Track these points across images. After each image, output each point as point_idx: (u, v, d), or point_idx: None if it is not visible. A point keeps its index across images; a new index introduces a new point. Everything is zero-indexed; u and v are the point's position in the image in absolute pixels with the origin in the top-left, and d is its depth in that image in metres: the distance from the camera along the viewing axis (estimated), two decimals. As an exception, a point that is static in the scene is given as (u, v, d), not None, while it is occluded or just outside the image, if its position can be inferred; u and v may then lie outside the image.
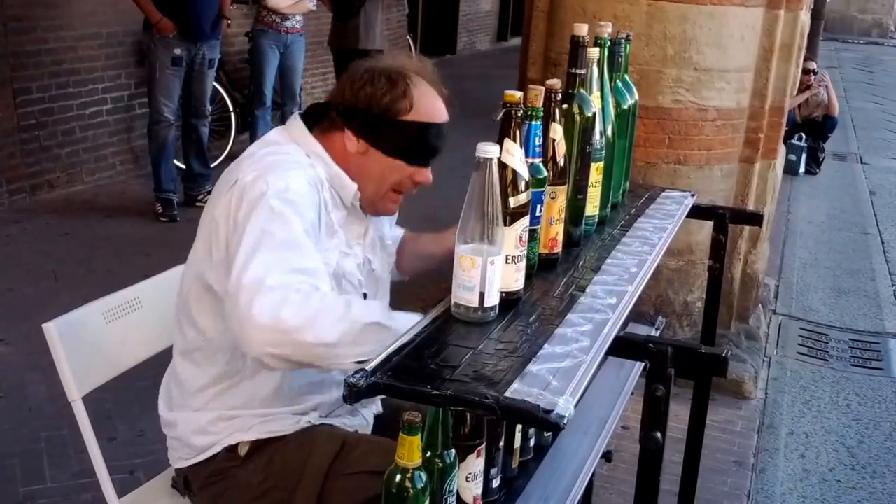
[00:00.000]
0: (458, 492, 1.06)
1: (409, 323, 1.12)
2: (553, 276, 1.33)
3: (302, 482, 1.31)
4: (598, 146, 1.47)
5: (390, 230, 1.56)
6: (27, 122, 4.37)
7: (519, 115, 1.16)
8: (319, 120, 1.38)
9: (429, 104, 1.32)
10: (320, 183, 1.30)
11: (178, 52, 4.13)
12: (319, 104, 1.39)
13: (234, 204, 1.24)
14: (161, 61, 4.13)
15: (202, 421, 1.35)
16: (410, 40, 8.53)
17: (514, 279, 1.18)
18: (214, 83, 5.14)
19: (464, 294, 1.11)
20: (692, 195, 1.94)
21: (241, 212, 1.22)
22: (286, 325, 1.11)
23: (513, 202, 1.15)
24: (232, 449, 1.35)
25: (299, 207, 1.23)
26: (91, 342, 1.44)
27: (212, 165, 4.77)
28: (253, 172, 1.26)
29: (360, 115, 1.30)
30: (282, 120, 5.57)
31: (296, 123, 1.38)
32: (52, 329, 1.38)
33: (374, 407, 1.51)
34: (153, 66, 4.18)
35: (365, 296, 1.41)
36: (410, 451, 0.94)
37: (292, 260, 1.18)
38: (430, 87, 1.34)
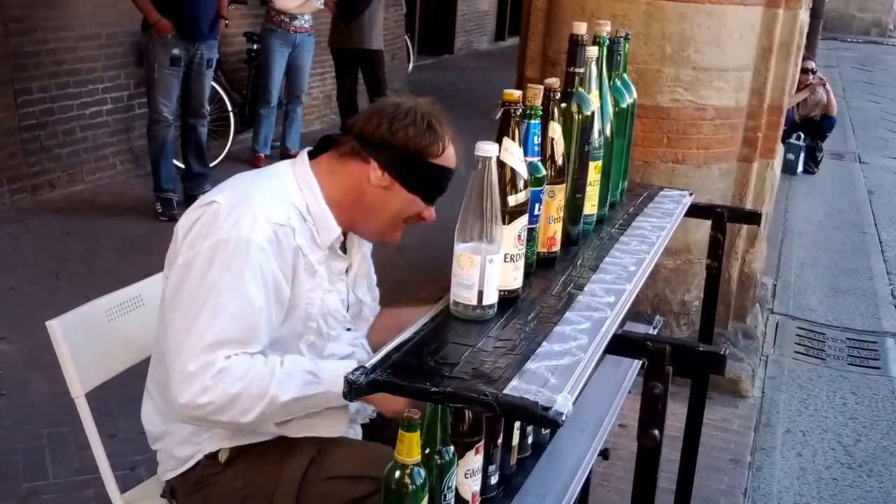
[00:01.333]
0: (456, 488, 1.07)
1: (339, 373, 1.15)
2: (551, 274, 1.33)
3: (279, 488, 1.33)
4: (597, 145, 1.47)
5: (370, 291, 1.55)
6: (28, 122, 4.40)
7: (518, 113, 1.17)
8: (335, 146, 1.40)
9: (453, 152, 1.39)
10: (300, 220, 1.31)
11: (176, 51, 4.13)
12: (340, 134, 1.41)
13: (200, 230, 1.27)
14: (159, 61, 4.13)
15: (186, 431, 1.37)
16: (408, 40, 8.54)
17: (513, 277, 1.18)
18: (213, 83, 5.17)
19: (462, 292, 1.12)
20: (690, 194, 1.95)
21: (204, 246, 1.25)
22: (205, 409, 1.22)
23: (511, 201, 1.15)
24: (212, 456, 1.37)
25: (258, 259, 1.25)
26: (93, 340, 1.45)
27: (211, 165, 4.80)
28: (229, 203, 1.27)
29: (393, 151, 1.34)
30: (284, 119, 5.59)
31: (301, 160, 1.41)
32: (56, 326, 1.39)
33: (362, 416, 1.51)
34: (151, 66, 4.18)
35: (350, 329, 1.44)
36: (410, 448, 0.94)
37: (229, 328, 1.23)
38: (453, 133, 1.41)
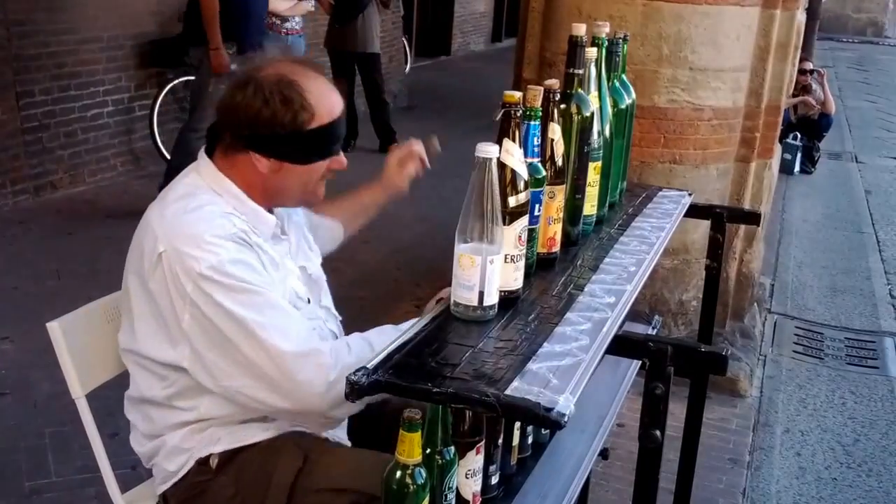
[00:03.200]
0: (457, 488, 1.07)
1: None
2: (552, 275, 1.33)
3: (269, 497, 1.32)
4: (596, 146, 1.47)
5: (308, 222, 1.56)
6: (30, 124, 4.45)
7: (518, 115, 1.17)
8: (217, 142, 1.34)
9: (326, 103, 1.31)
10: (242, 224, 1.30)
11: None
12: (211, 129, 1.36)
13: (173, 283, 1.22)
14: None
15: (175, 439, 1.36)
16: (405, 42, 8.55)
17: (513, 278, 1.18)
18: None
19: (463, 293, 1.12)
20: (689, 195, 1.96)
21: (191, 292, 1.21)
22: (338, 386, 1.19)
23: (512, 202, 1.15)
24: (203, 462, 1.36)
25: (244, 270, 1.24)
26: (94, 341, 1.45)
27: None
28: (176, 246, 1.23)
29: (264, 138, 1.28)
30: None
31: (204, 164, 1.35)
32: (56, 328, 1.39)
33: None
34: (205, 80, 4.17)
35: (309, 301, 1.42)
36: (411, 448, 0.94)
37: (283, 327, 1.23)
38: (317, 81, 1.31)
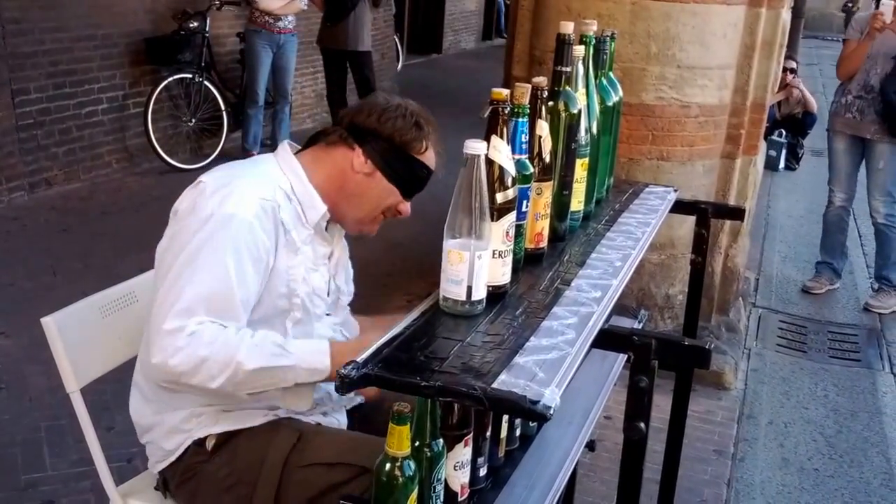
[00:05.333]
0: (445, 480, 1.09)
1: (309, 350, 1.28)
2: (539, 270, 1.35)
3: (262, 476, 1.35)
4: (583, 143, 1.49)
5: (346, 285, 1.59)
6: (25, 121, 4.46)
7: (506, 112, 1.18)
8: (323, 138, 1.44)
9: (435, 154, 1.46)
10: (285, 199, 1.35)
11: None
12: (330, 127, 1.46)
13: (188, 206, 1.32)
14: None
15: (176, 420, 1.38)
16: (397, 40, 8.53)
17: (501, 273, 1.20)
18: (206, 83, 5.21)
19: (452, 288, 1.13)
20: (675, 191, 1.98)
21: (190, 220, 1.30)
22: (175, 371, 1.25)
23: (500, 198, 1.17)
24: (200, 443, 1.38)
25: (239, 235, 1.28)
26: (88, 336, 1.46)
27: (204, 163, 4.90)
28: (216, 182, 1.33)
29: (380, 140, 1.39)
30: (273, 118, 5.61)
31: (282, 149, 1.45)
32: (51, 323, 1.40)
33: (347, 402, 1.53)
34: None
35: (328, 315, 1.47)
36: (400, 441, 0.96)
37: (205, 297, 1.26)
38: (437, 140, 1.47)
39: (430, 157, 1.43)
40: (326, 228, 1.45)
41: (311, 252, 1.40)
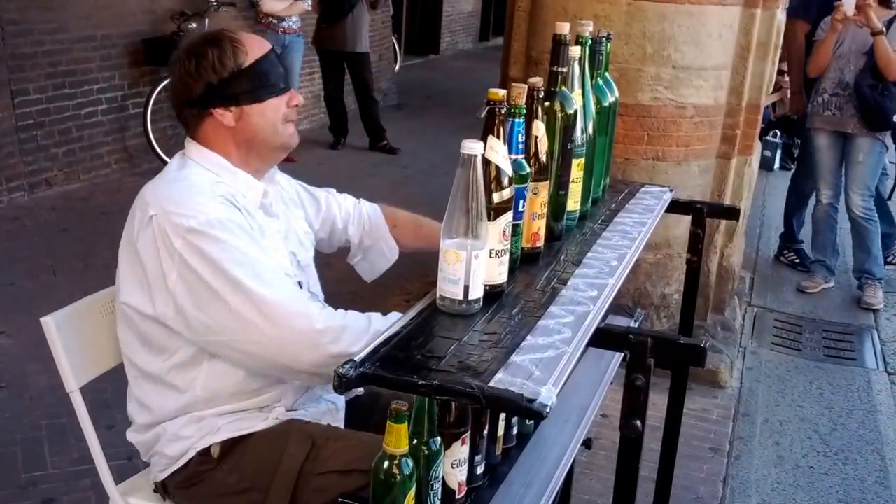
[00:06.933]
0: (443, 478, 1.10)
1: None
2: (535, 269, 1.36)
3: (275, 482, 1.34)
4: (580, 143, 1.50)
5: (316, 215, 1.62)
6: (25, 122, 4.48)
7: (502, 112, 1.19)
8: (186, 126, 1.41)
9: (254, 42, 1.40)
10: (228, 192, 1.35)
11: None
12: (178, 117, 1.43)
13: (163, 242, 1.27)
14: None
15: (175, 427, 1.38)
16: (395, 41, 8.55)
17: (498, 272, 1.21)
18: None
19: (449, 287, 1.14)
20: (671, 190, 1.99)
21: (179, 247, 1.26)
22: (326, 337, 1.26)
23: (496, 198, 1.18)
24: (205, 452, 1.38)
25: (230, 227, 1.28)
26: (88, 335, 1.46)
27: None
28: (165, 208, 1.28)
29: (214, 88, 1.35)
30: None
31: (188, 144, 1.42)
32: (51, 323, 1.40)
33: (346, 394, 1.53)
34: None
35: (300, 284, 1.46)
36: (398, 439, 0.97)
37: (270, 281, 1.27)
38: (238, 30, 1.43)
39: (255, 50, 1.37)
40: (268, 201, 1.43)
41: (269, 229, 1.40)
